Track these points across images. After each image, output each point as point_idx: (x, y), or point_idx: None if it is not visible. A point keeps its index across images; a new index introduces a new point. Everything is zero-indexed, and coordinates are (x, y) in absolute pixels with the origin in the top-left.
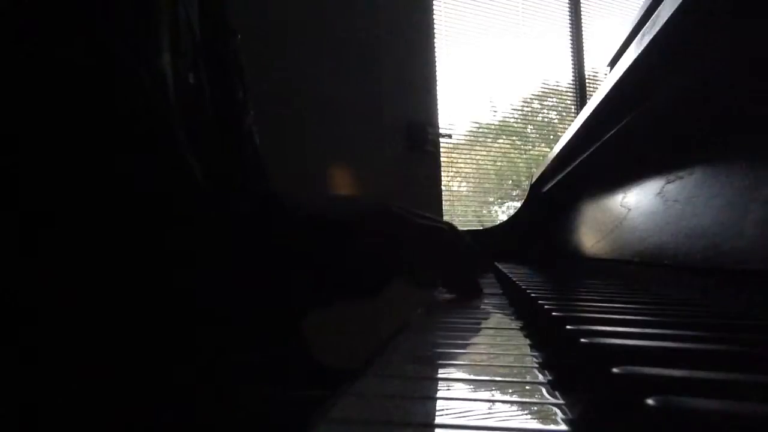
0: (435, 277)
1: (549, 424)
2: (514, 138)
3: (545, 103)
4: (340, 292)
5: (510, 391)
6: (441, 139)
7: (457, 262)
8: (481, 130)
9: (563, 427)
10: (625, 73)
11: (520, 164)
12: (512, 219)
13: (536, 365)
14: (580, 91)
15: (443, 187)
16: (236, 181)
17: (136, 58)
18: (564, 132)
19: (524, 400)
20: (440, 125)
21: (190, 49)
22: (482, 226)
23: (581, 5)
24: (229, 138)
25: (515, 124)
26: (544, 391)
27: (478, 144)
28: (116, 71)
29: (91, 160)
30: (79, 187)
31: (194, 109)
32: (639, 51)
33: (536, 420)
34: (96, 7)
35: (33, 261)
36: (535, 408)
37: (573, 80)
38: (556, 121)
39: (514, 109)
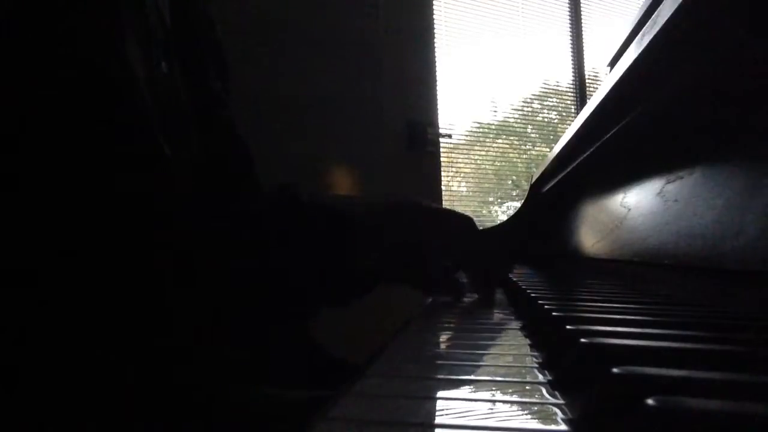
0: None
1: (549, 424)
2: (514, 138)
3: (545, 103)
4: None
5: (510, 391)
6: (441, 139)
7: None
8: (481, 130)
9: (563, 427)
10: (625, 73)
11: (520, 164)
12: (512, 219)
13: (536, 365)
14: (580, 91)
15: (443, 187)
16: (216, 172)
17: (98, 46)
18: (564, 132)
19: (524, 400)
20: (440, 125)
21: (161, 38)
22: (482, 226)
23: (581, 5)
24: (206, 128)
25: (515, 124)
26: (544, 391)
27: (478, 144)
28: (79, 60)
29: (65, 154)
30: (54, 185)
31: (168, 98)
32: (639, 51)
33: (536, 420)
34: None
35: (15, 261)
36: (535, 408)
37: (573, 80)
38: (556, 121)
39: (515, 109)
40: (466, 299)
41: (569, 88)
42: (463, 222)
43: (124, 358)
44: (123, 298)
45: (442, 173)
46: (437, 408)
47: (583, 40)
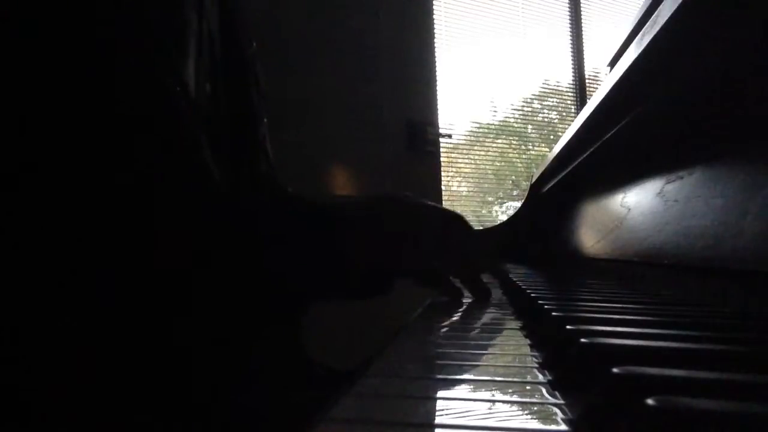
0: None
1: (549, 424)
2: (514, 138)
3: (545, 103)
4: (351, 288)
5: (510, 391)
6: (441, 139)
7: (473, 256)
8: (481, 130)
9: (563, 427)
10: (625, 73)
11: (520, 164)
12: (512, 219)
13: (536, 365)
14: (580, 91)
15: (443, 187)
16: (249, 189)
17: (165, 67)
18: (564, 132)
19: (524, 400)
20: (440, 125)
21: (208, 59)
22: (482, 226)
23: (581, 5)
24: (243, 147)
25: (515, 124)
26: (544, 391)
27: (478, 144)
28: (145, 79)
29: (116, 163)
30: (102, 190)
31: (210, 119)
32: (639, 51)
33: (536, 420)
34: (126, 19)
35: (62, 261)
36: (535, 408)
37: (573, 80)
38: (556, 121)
39: (515, 109)
40: (465, 299)
41: (569, 88)
42: (451, 219)
43: (123, 358)
44: (124, 299)
45: (442, 173)
46: (437, 408)
47: (583, 40)
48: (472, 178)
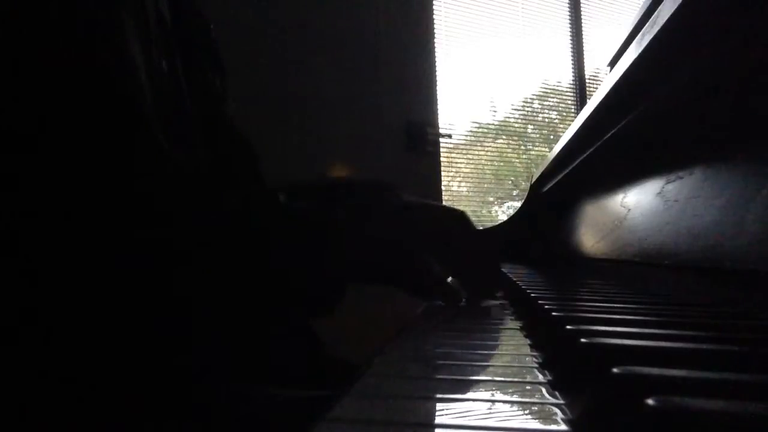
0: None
1: (549, 424)
2: (514, 138)
3: (545, 103)
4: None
5: (510, 391)
6: (441, 139)
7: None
8: (481, 130)
9: (563, 427)
10: (625, 73)
11: (520, 164)
12: (512, 219)
13: (536, 365)
14: (580, 91)
15: (443, 188)
16: (217, 169)
17: (102, 45)
18: (564, 132)
19: (524, 400)
20: (440, 125)
21: (161, 37)
22: (482, 226)
23: (581, 5)
24: (207, 126)
25: (515, 124)
26: (544, 391)
27: (478, 144)
28: (83, 59)
29: (65, 152)
30: (55, 183)
31: (169, 96)
32: (639, 51)
33: (536, 420)
34: None
35: (14, 261)
36: (535, 408)
37: (573, 80)
38: (556, 121)
39: (515, 109)
40: (462, 303)
41: (569, 88)
42: (456, 218)
43: (122, 358)
44: (120, 298)
45: (442, 173)
46: (437, 408)
47: (583, 40)
48: (472, 178)
